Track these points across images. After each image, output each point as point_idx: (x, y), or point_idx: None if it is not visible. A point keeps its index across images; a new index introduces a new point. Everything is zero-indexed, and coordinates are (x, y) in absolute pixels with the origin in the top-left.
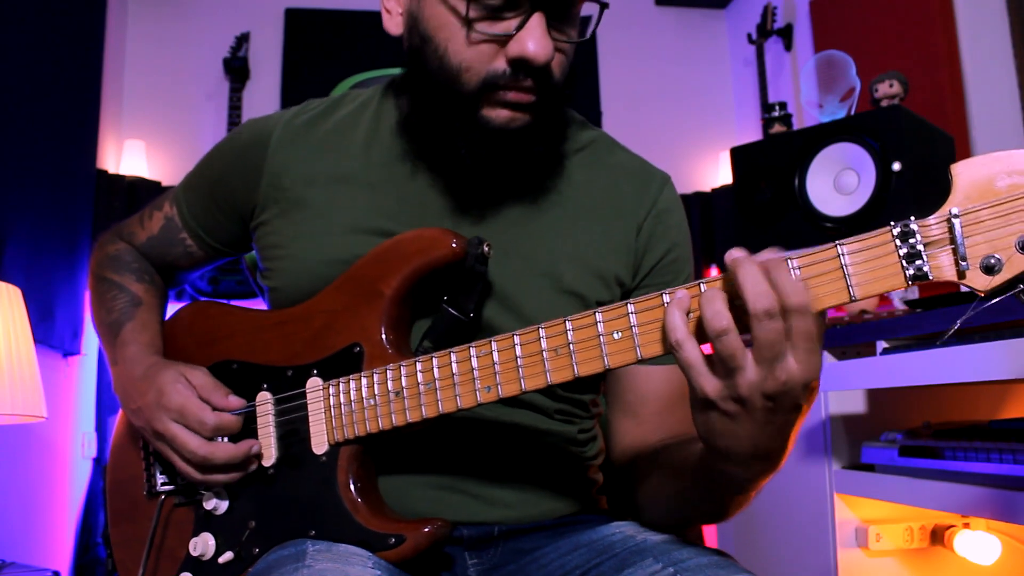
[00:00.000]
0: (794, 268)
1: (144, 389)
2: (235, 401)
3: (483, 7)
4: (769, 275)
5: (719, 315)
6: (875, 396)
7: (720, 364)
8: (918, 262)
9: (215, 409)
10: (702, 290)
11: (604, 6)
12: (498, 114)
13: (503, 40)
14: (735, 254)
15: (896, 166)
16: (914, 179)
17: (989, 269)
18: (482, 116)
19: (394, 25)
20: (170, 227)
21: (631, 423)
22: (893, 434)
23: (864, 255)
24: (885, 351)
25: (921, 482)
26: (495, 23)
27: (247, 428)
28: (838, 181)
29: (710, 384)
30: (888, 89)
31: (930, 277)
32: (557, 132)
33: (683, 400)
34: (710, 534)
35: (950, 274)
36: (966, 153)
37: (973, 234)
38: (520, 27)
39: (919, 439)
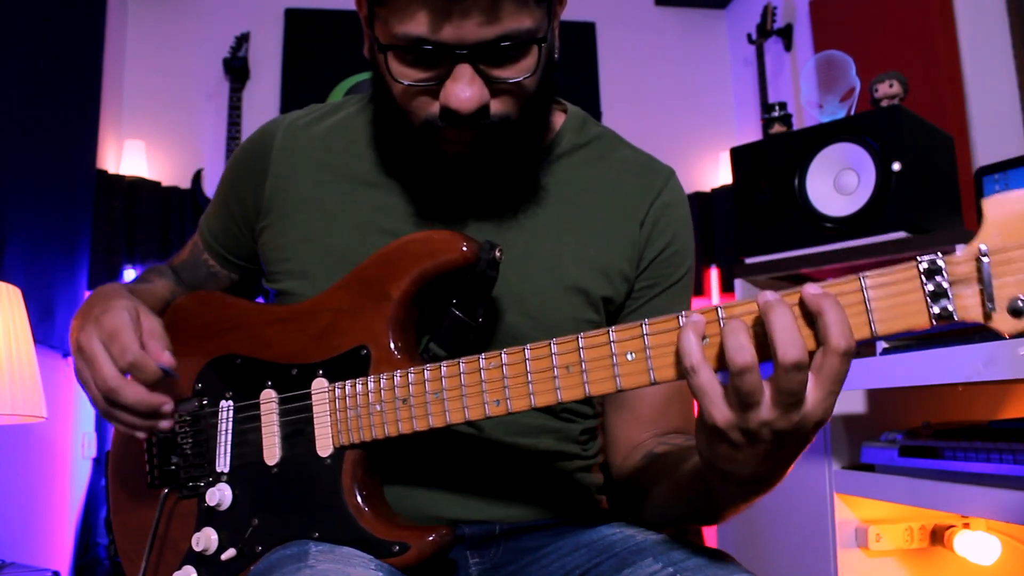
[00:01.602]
0: None
1: (94, 305)
2: (167, 358)
3: (403, 61)
4: (822, 312)
5: (743, 350)
6: (875, 396)
7: (736, 397)
8: (943, 301)
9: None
10: (720, 315)
11: (540, 43)
12: (449, 147)
13: (433, 89)
14: (768, 297)
15: (896, 166)
16: (914, 179)
17: (1017, 312)
18: (436, 148)
19: (366, 50)
20: (195, 251)
21: (628, 419)
22: (893, 434)
23: (888, 290)
24: (885, 351)
25: (921, 482)
26: (420, 71)
27: (243, 430)
28: (838, 181)
29: (721, 414)
30: (888, 89)
31: (955, 318)
32: (533, 141)
33: (680, 396)
34: (710, 534)
35: (975, 315)
36: (966, 153)
37: (1003, 275)
38: (446, 76)
39: (919, 439)
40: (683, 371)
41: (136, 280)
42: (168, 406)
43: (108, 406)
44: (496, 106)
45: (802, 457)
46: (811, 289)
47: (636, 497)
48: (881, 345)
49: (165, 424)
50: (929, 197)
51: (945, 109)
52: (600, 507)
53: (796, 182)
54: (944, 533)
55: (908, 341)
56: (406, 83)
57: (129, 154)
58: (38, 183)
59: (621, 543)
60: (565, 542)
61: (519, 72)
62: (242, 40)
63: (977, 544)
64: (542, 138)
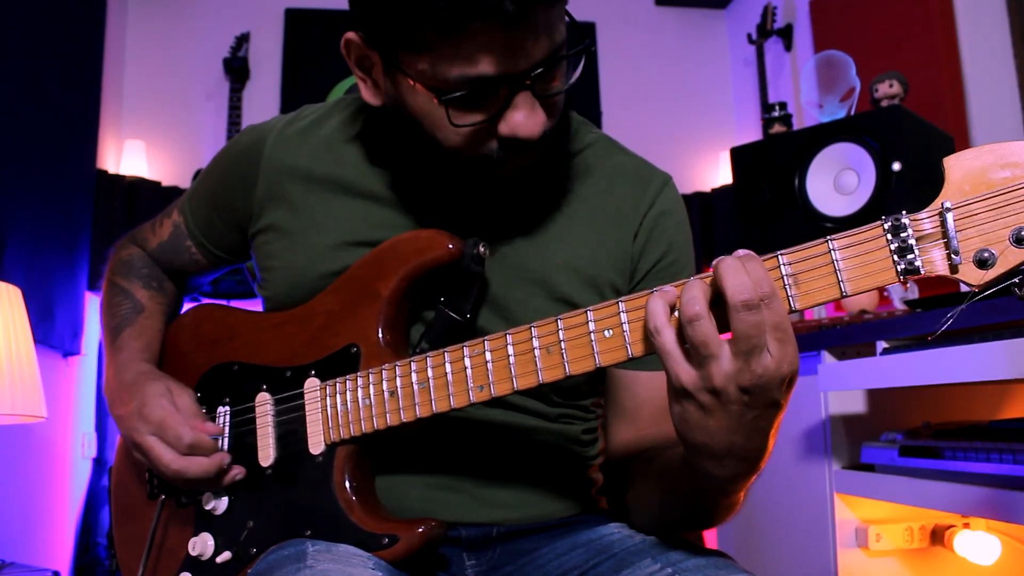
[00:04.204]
0: (785, 264)
1: (128, 398)
2: (213, 427)
3: (463, 105)
4: (716, 276)
5: (693, 300)
6: (875, 396)
7: (694, 352)
8: (909, 256)
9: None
10: None
11: (589, 47)
12: (506, 172)
13: (492, 124)
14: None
15: (896, 166)
16: (914, 179)
17: (982, 263)
18: (488, 175)
19: (372, 97)
20: (177, 234)
21: (628, 427)
22: (893, 434)
23: (855, 250)
24: (885, 351)
25: (921, 482)
26: (477, 111)
27: (241, 433)
28: (838, 181)
29: (685, 373)
30: (888, 89)
31: (922, 272)
32: (555, 146)
33: None
34: (710, 534)
35: (942, 268)
36: None
37: (966, 227)
38: (505, 107)
39: (919, 439)
40: (648, 333)
41: (124, 321)
42: (227, 460)
43: (185, 485)
44: (547, 123)
45: (802, 457)
46: (735, 254)
47: (631, 501)
48: (881, 345)
49: (238, 475)
50: (929, 197)
51: (945, 109)
52: (599, 508)
53: (796, 182)
54: (944, 533)
55: (908, 341)
56: (465, 126)
57: (129, 154)
58: (38, 183)
59: (619, 543)
60: (562, 543)
61: (561, 84)
62: (242, 40)
63: (977, 544)
64: (562, 143)
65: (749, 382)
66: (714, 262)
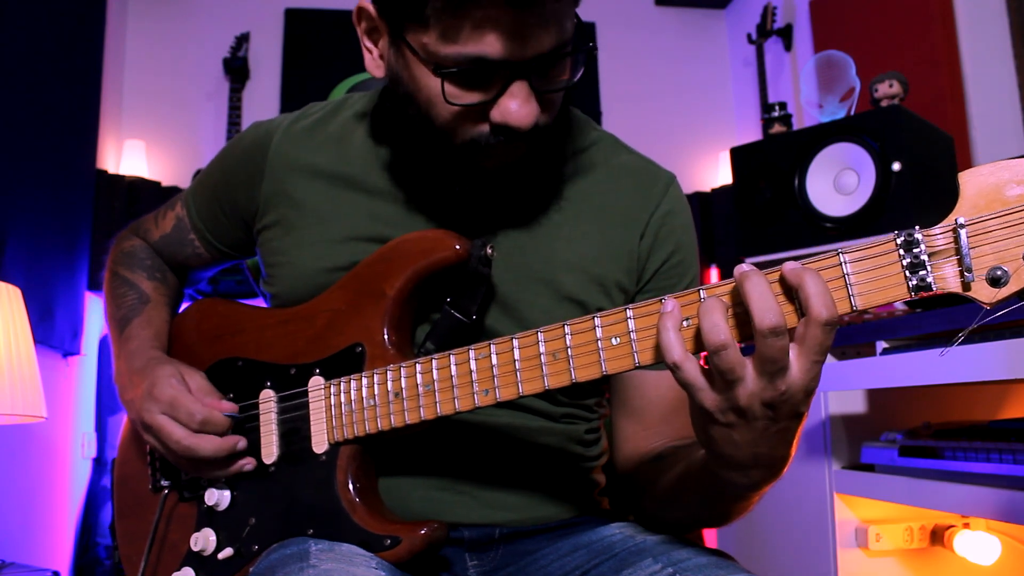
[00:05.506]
0: None
1: (139, 381)
2: (228, 405)
3: (459, 83)
4: (802, 284)
5: (717, 328)
6: (875, 396)
7: (718, 377)
8: (922, 272)
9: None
10: (702, 297)
11: (590, 51)
12: (492, 162)
13: (485, 107)
14: (742, 267)
15: (896, 166)
16: (914, 179)
17: (995, 281)
18: (475, 163)
19: (376, 68)
20: (180, 228)
21: (636, 427)
22: (893, 434)
23: (866, 264)
24: (885, 351)
25: (921, 482)
26: (473, 92)
27: (244, 430)
28: (838, 181)
29: (710, 399)
30: (888, 89)
31: (934, 288)
32: (556, 144)
33: (687, 404)
34: (710, 534)
35: (954, 286)
36: (966, 153)
37: (979, 244)
38: (500, 94)
39: (919, 439)
40: (668, 367)
41: (131, 312)
42: (242, 443)
43: (193, 467)
44: (541, 117)
45: (802, 457)
46: (791, 264)
47: (645, 502)
48: (881, 345)
49: (248, 465)
50: (929, 197)
51: (945, 109)
52: (601, 509)
53: (796, 182)
54: (944, 533)
55: (908, 341)
56: (458, 105)
57: (129, 154)
58: (38, 183)
59: (621, 544)
60: (564, 543)
61: (561, 81)
62: (242, 40)
63: (977, 544)
64: (564, 142)
65: (772, 398)
66: (736, 274)
